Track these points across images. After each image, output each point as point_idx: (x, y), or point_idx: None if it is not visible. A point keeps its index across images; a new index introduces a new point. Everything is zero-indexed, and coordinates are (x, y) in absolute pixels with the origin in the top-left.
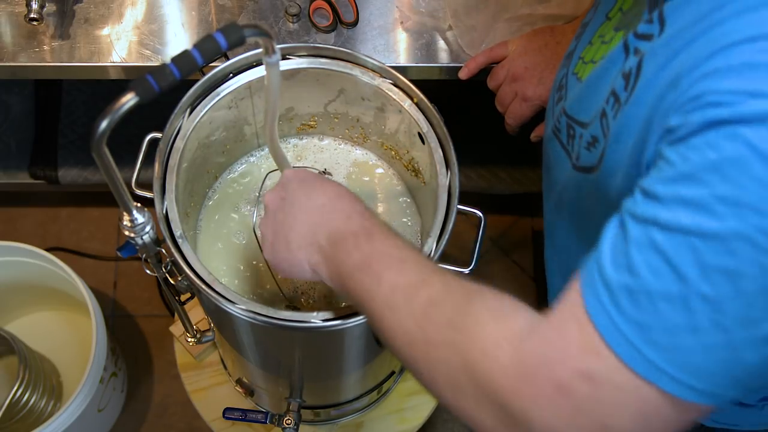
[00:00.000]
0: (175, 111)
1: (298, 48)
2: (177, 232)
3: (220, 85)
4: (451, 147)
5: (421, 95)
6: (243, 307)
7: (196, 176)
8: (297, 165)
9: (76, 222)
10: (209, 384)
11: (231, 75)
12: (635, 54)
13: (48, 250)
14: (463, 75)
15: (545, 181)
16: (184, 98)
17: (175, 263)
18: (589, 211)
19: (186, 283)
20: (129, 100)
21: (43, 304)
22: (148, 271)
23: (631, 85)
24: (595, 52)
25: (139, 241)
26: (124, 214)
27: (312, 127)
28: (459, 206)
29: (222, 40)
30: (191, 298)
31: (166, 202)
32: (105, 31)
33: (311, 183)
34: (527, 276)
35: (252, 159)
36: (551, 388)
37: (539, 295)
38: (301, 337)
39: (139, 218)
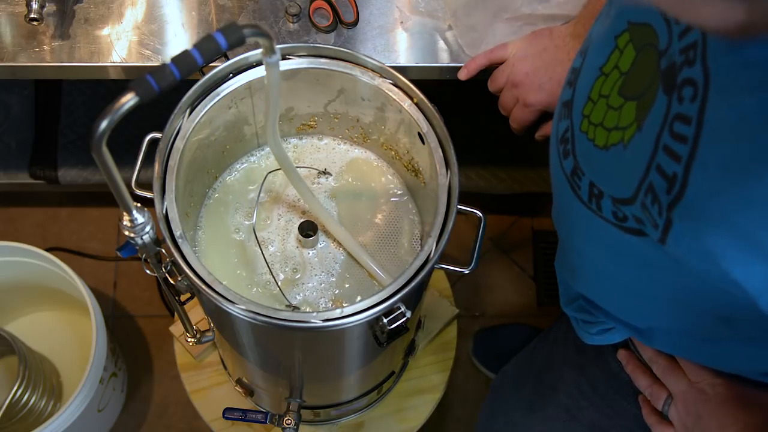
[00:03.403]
0: (175, 111)
1: (298, 48)
2: (177, 232)
3: (220, 85)
4: (451, 147)
5: (421, 95)
6: (243, 307)
7: (196, 176)
8: (297, 165)
9: (76, 222)
10: (209, 384)
11: (231, 75)
12: (674, 159)
13: (48, 250)
14: (462, 76)
15: (557, 205)
16: (184, 98)
17: (175, 263)
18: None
19: (186, 283)
20: (129, 100)
21: (43, 304)
22: (148, 271)
23: (675, 193)
24: (601, 115)
25: (139, 241)
26: (124, 214)
27: (312, 127)
28: (459, 206)
29: (222, 40)
30: (191, 298)
31: (166, 202)
32: (105, 31)
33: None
34: (527, 276)
35: (252, 159)
36: None
37: (539, 294)
38: (301, 337)
39: (139, 218)
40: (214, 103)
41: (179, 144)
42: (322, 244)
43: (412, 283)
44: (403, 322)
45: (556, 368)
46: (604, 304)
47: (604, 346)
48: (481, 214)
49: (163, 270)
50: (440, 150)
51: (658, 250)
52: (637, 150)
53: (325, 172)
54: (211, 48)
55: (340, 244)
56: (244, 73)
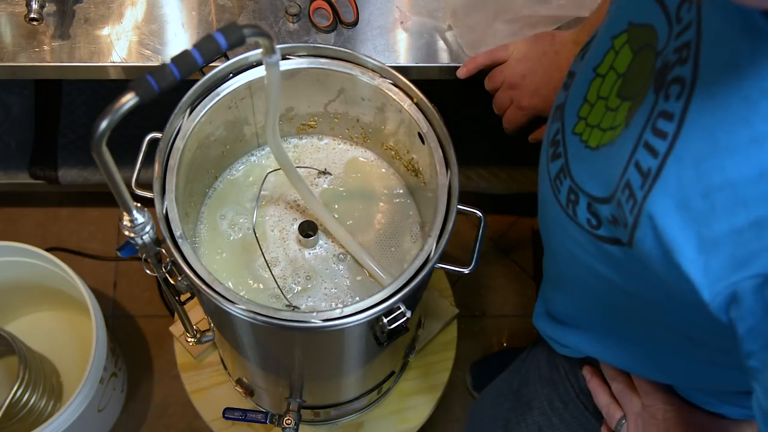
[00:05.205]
0: (175, 111)
1: (298, 48)
2: (177, 232)
3: (220, 85)
4: (451, 147)
5: (421, 95)
6: (243, 307)
7: (196, 176)
8: (297, 165)
9: (76, 222)
10: (209, 384)
11: (231, 75)
12: (651, 154)
13: (48, 250)
14: (461, 74)
15: (541, 214)
16: (184, 98)
17: (175, 263)
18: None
19: (186, 283)
20: (129, 100)
21: (43, 304)
22: (148, 271)
23: (647, 187)
24: (599, 116)
25: (139, 241)
26: (124, 214)
27: (312, 127)
28: (459, 206)
29: (222, 40)
30: (191, 298)
31: (166, 202)
32: (105, 31)
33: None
34: (527, 276)
35: (252, 159)
36: None
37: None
38: (301, 337)
39: (139, 218)
40: (214, 103)
41: (179, 144)
42: (322, 245)
43: (412, 283)
44: (403, 322)
45: (532, 384)
46: (572, 318)
47: (576, 361)
48: (481, 214)
49: (163, 270)
50: (440, 150)
51: (628, 257)
52: (621, 147)
53: (325, 172)
54: (211, 48)
55: (340, 244)
56: (244, 73)
